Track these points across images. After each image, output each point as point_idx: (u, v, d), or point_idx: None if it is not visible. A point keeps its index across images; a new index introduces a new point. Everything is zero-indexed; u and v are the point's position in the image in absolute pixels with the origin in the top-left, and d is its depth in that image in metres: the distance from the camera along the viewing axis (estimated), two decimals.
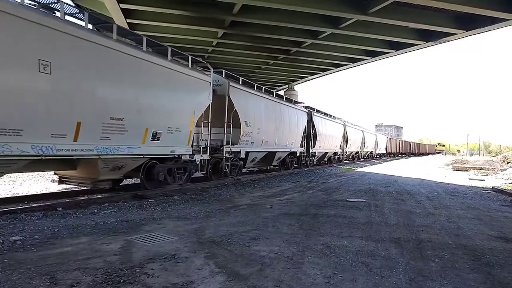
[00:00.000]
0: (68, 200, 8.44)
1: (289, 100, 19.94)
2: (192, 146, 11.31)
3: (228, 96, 12.96)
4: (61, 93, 7.09)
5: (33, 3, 7.01)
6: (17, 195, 9.06)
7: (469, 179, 19.48)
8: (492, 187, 14.69)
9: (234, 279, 3.98)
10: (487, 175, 22.68)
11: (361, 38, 21.98)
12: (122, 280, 3.79)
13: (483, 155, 78.73)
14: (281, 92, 31.85)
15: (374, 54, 26.15)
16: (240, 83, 14.24)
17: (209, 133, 12.41)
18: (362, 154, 39.39)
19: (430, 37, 21.09)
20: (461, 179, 18.95)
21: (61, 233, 5.59)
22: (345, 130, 31.12)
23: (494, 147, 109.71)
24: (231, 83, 13.21)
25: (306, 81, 39.21)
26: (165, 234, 5.70)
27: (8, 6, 6.14)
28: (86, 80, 7.60)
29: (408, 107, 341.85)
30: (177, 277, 3.96)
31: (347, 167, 26.81)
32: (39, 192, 9.53)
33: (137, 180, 10.73)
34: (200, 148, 11.94)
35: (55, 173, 9.33)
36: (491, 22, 17.47)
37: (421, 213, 8.51)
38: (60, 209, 7.37)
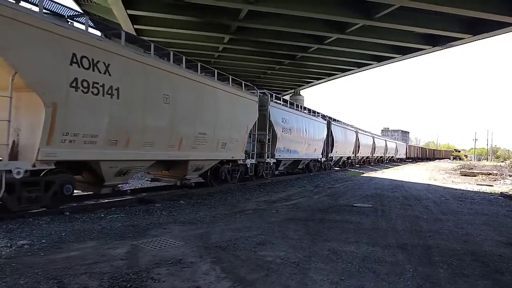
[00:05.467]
0: (75, 205, 8.49)
1: (343, 123, 31.11)
2: (322, 154, 23.93)
3: (330, 129, 25.39)
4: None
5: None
6: None
7: (477, 184, 19.29)
8: (501, 193, 14.53)
9: (240, 284, 3.97)
10: (495, 180, 22.44)
11: (367, 43, 21.97)
12: (128, 285, 3.79)
13: (491, 160, 78.03)
14: (287, 97, 31.95)
15: (380, 59, 26.11)
16: (332, 120, 26.89)
17: (326, 148, 25.16)
18: (385, 158, 48.25)
19: (436, 41, 21.01)
20: (469, 184, 18.77)
21: (68, 237, 5.62)
22: (372, 139, 40.84)
23: (502, 152, 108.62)
24: (332, 122, 26.35)
25: (312, 86, 39.23)
26: (171, 239, 5.71)
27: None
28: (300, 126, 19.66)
29: (414, 111, 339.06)
30: (183, 282, 3.96)
31: (354, 172, 26.71)
32: None
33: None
34: (323, 155, 24.65)
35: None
36: (498, 26, 17.37)
37: (428, 219, 8.43)
38: (68, 213, 7.41)
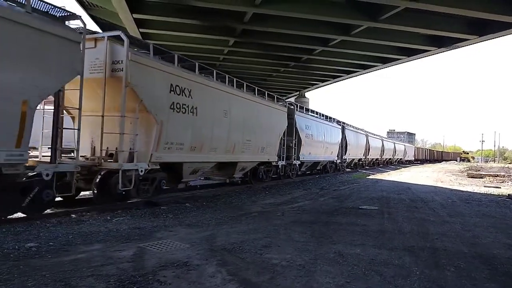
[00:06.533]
0: (82, 207, 8.53)
1: (353, 127, 33.29)
2: (337, 157, 26.28)
3: (344, 133, 27.48)
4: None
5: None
6: None
7: (484, 186, 19.11)
8: (509, 195, 14.38)
9: (246, 287, 3.97)
10: (502, 182, 22.22)
11: (372, 45, 21.92)
12: (135, 287, 3.81)
13: (499, 162, 77.32)
14: (292, 99, 32.07)
15: (385, 61, 26.03)
16: (346, 125, 29.03)
17: (340, 151, 27.20)
18: (394, 160, 50.22)
19: (442, 43, 20.92)
20: (476, 186, 18.61)
21: (75, 240, 5.66)
22: (381, 142, 43.35)
23: (509, 153, 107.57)
24: (345, 127, 28.38)
25: (317, 88, 39.19)
26: (177, 242, 5.72)
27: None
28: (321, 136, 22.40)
29: (420, 112, 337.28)
30: (189, 285, 3.96)
31: (361, 174, 26.60)
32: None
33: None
34: (338, 157, 26.86)
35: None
36: (504, 27, 17.26)
37: (435, 221, 8.37)
38: (74, 216, 7.46)
